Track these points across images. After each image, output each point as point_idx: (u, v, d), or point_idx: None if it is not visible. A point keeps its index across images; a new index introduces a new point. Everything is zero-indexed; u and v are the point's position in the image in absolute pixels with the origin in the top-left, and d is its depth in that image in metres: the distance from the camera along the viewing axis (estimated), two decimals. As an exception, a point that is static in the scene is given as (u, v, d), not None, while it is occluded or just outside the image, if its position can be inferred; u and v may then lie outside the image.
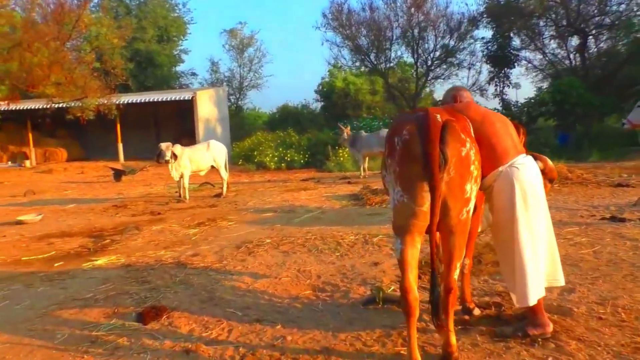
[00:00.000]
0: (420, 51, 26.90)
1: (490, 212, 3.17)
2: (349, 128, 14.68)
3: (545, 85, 26.08)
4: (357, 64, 28.94)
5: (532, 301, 2.91)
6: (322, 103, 31.14)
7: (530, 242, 2.91)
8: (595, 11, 23.29)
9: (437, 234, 2.76)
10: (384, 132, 13.83)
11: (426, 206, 2.48)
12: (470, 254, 3.57)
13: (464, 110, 3.01)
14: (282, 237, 6.29)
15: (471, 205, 2.68)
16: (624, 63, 22.21)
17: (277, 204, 9.45)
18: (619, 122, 21.18)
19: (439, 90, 30.37)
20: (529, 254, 2.90)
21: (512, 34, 25.83)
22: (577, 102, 17.35)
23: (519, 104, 23.29)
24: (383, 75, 27.85)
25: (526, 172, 2.96)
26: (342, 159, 17.27)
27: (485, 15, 25.33)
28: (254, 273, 4.82)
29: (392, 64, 28.50)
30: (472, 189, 2.62)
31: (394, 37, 26.57)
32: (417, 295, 2.62)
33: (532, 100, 18.03)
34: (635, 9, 22.61)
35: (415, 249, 2.62)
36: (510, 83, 26.91)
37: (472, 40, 26.62)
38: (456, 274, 2.74)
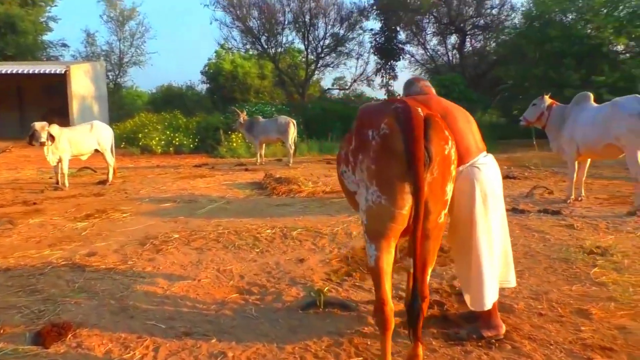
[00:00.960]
0: (310, 38, 26.93)
1: (448, 211, 3.04)
2: (244, 113, 14.11)
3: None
4: (248, 46, 28.20)
5: (489, 305, 2.84)
6: (208, 85, 29.97)
7: (487, 245, 2.82)
8: (473, 12, 25.08)
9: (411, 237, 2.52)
10: (283, 118, 13.52)
11: (406, 209, 2.25)
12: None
13: (426, 103, 2.82)
14: (191, 232, 5.74)
15: (447, 208, 2.50)
16: (494, 63, 24.18)
17: (174, 192, 8.73)
18: (485, 116, 23.18)
19: (327, 79, 30.84)
20: (486, 258, 2.81)
21: (398, 28, 26.89)
22: (459, 97, 18.50)
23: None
24: (273, 60, 27.46)
25: (487, 172, 2.86)
26: (234, 144, 16.63)
27: (374, 7, 26.02)
28: (168, 275, 4.28)
29: (282, 49, 28.19)
30: (450, 190, 2.44)
31: (286, 22, 26.31)
32: (392, 306, 2.40)
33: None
34: (506, 14, 24.76)
35: (391, 255, 2.38)
36: (395, 75, 28.08)
37: (361, 31, 27.27)
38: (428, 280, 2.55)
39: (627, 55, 17.83)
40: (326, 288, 3.86)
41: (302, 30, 26.50)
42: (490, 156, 2.97)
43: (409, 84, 3.24)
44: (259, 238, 5.41)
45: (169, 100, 27.94)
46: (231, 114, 16.92)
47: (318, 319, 3.36)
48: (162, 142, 17.11)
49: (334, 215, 6.50)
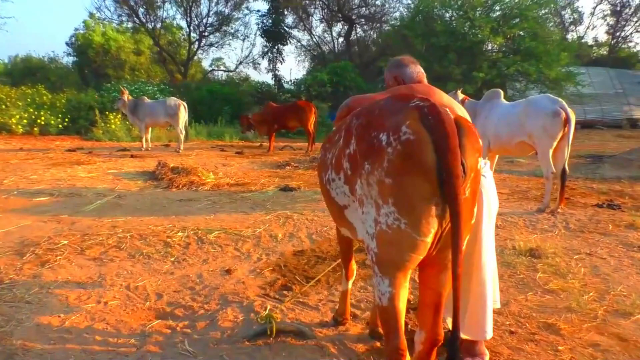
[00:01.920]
0: (193, 15, 25.36)
1: None
2: (127, 92, 12.64)
3: (306, 65, 27.53)
4: (123, 18, 25.76)
5: (490, 334, 2.51)
6: (75, 58, 26.94)
7: (492, 265, 2.48)
8: (360, 1, 25.42)
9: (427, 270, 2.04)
10: (172, 100, 12.35)
11: (431, 236, 1.78)
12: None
13: (430, 97, 2.36)
14: (82, 235, 4.75)
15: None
16: (381, 53, 24.82)
17: (49, 183, 7.40)
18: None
19: (209, 60, 29.43)
20: (490, 279, 2.47)
21: (286, 12, 26.37)
22: (350, 86, 18.61)
23: (294, 81, 23.98)
24: (152, 35, 25.41)
25: (491, 181, 2.51)
26: (113, 126, 14.98)
27: (263, -12, 25.18)
28: (64, 297, 3.39)
29: (162, 25, 26.21)
30: (476, 212, 2.02)
31: (167, -5, 24.44)
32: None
33: (310, 79, 18.65)
34: (392, 5, 25.48)
35: (406, 292, 1.90)
36: (283, 59, 27.57)
37: (247, 11, 26.34)
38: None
39: (501, 54, 19.23)
40: (267, 310, 3.29)
41: (184, 5, 24.82)
42: (487, 162, 2.63)
43: (399, 65, 2.63)
44: (170, 243, 4.62)
45: (29, 72, 24.58)
46: (106, 92, 15.22)
47: (272, 352, 2.78)
48: (24, 121, 14.85)
49: (250, 213, 5.88)
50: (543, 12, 19.68)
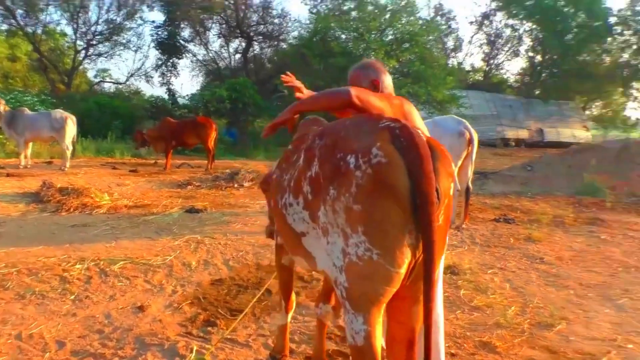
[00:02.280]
0: (80, 21, 23.64)
1: None
2: (4, 102, 11.24)
3: (200, 80, 26.84)
4: (-1, 19, 23.25)
5: None
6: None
7: (441, 291, 2.42)
8: (258, 18, 25.36)
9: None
10: (58, 113, 11.23)
11: (405, 267, 1.65)
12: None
13: (406, 114, 2.25)
14: (-47, 274, 4.02)
15: None
16: (279, 71, 24.86)
17: None
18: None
19: (94, 70, 27.57)
20: (441, 308, 2.40)
21: (182, 24, 25.54)
22: (249, 103, 18.36)
23: (189, 96, 23.19)
24: (31, 40, 23.21)
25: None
26: (-19, 140, 13.28)
27: (158, -1, 24.21)
28: (-64, 355, 2.79)
29: (43, 29, 24.06)
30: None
31: (50, -2, 22.52)
32: None
33: (209, 95, 18.08)
34: (289, 24, 25.71)
35: (380, 328, 1.74)
36: (177, 73, 26.59)
37: (141, 22, 25.09)
38: None
39: (396, 76, 20.15)
40: (194, 353, 2.97)
41: (71, 10, 23.04)
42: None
43: (378, 70, 2.41)
44: (67, 278, 4.06)
45: None
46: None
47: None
48: None
49: (156, 239, 5.41)
50: (430, 38, 21.04)
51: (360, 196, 1.61)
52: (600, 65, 31.50)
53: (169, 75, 26.18)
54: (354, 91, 2.06)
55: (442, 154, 1.72)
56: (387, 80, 2.39)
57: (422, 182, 1.56)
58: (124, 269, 4.34)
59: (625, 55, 31.45)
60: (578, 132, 28.59)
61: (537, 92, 31.63)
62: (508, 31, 33.54)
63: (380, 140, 1.65)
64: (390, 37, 20.27)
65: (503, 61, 35.21)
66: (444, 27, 31.59)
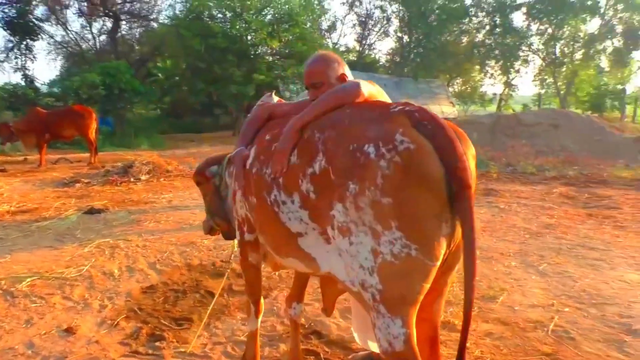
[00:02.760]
0: None
1: None
2: None
3: (57, 64, 24.45)
4: None
5: None
6: None
7: None
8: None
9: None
10: None
11: (441, 260, 1.58)
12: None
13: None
14: None
15: None
16: (153, 54, 23.41)
17: None
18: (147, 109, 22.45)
19: None
20: None
21: (34, 1, 22.78)
22: (126, 88, 17.02)
23: (50, 82, 20.89)
24: None
25: None
26: None
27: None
28: None
29: None
30: None
31: None
32: None
33: (79, 80, 16.31)
34: (159, 2, 24.17)
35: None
36: (34, 57, 23.76)
37: (-20, -2, 21.86)
38: None
39: (277, 57, 20.03)
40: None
41: None
42: None
43: (341, 63, 2.19)
44: (-36, 307, 3.41)
45: None
46: None
47: None
48: None
49: (59, 247, 4.78)
50: (310, 18, 21.17)
51: (389, 188, 1.49)
52: (459, 45, 34.26)
53: (23, 59, 23.29)
54: (363, 86, 1.91)
55: (463, 135, 1.66)
56: (348, 72, 2.22)
57: (458, 166, 1.49)
58: (33, 287, 3.76)
59: (480, 35, 34.59)
60: (445, 108, 30.88)
61: (407, 71, 33.53)
62: (378, 12, 34.98)
63: (402, 126, 1.54)
64: (269, 17, 19.99)
65: (375, 41, 36.72)
66: (317, 7, 32.03)
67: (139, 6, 24.65)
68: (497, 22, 32.96)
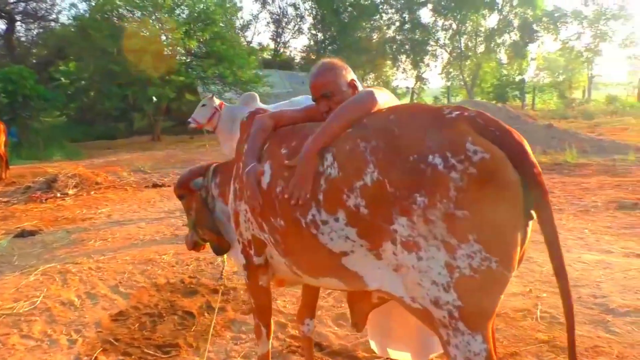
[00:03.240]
0: None
1: None
2: None
3: None
4: None
5: None
6: None
7: None
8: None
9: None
10: None
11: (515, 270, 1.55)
12: None
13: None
14: None
15: None
16: (56, 57, 21.74)
17: None
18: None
19: None
20: None
21: None
22: (30, 95, 15.63)
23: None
24: None
25: None
26: None
27: None
28: None
29: None
30: None
31: None
32: None
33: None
34: (57, 2, 22.46)
35: None
36: None
37: None
38: None
39: (196, 57, 19.33)
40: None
41: None
42: None
43: (349, 69, 2.08)
44: None
45: None
46: None
47: None
48: None
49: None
50: (227, 17, 20.69)
51: (465, 200, 1.42)
52: (371, 41, 35.21)
53: None
54: (377, 95, 1.82)
55: (522, 139, 1.63)
56: (354, 76, 2.11)
57: (534, 172, 1.45)
58: (-21, 327, 3.31)
59: (391, 32, 35.78)
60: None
61: (323, 68, 33.85)
62: (291, 10, 35.03)
63: (468, 134, 1.47)
64: (184, 16, 19.26)
65: (289, 39, 36.74)
66: (229, 5, 31.46)
67: (35, 6, 22.80)
68: (406, 18, 34.29)
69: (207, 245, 2.76)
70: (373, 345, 2.63)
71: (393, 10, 34.55)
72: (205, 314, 3.48)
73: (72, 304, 3.68)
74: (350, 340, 3.05)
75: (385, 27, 35.66)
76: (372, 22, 34.96)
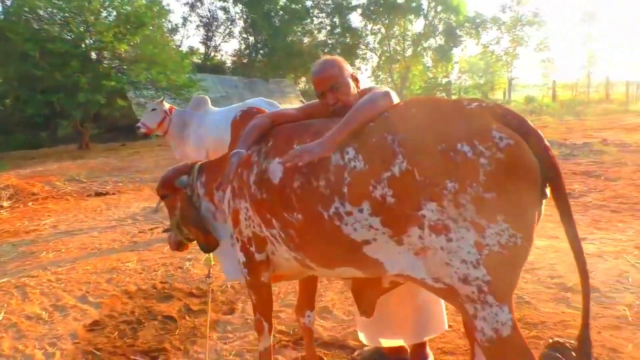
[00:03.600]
0: None
1: None
2: None
3: None
4: None
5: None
6: None
7: None
8: None
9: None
10: None
11: None
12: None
13: None
14: None
15: None
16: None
17: None
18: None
19: None
20: None
21: None
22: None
23: None
24: None
25: None
26: None
27: None
28: None
29: None
30: None
31: None
32: None
33: None
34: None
35: None
36: None
37: None
38: None
39: (127, 62, 18.58)
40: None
41: None
42: None
43: (340, 64, 2.14)
44: None
45: None
46: None
47: None
48: None
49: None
50: (157, 20, 20.09)
51: (493, 184, 1.54)
52: (303, 44, 35.49)
53: None
54: (392, 93, 1.92)
55: (535, 127, 1.77)
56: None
57: (550, 156, 1.60)
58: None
59: (322, 36, 36.25)
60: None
61: (254, 72, 33.71)
62: (221, 13, 34.58)
63: (492, 122, 1.61)
64: (112, 18, 18.49)
65: (221, 43, 36.23)
66: (157, 7, 30.62)
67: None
68: (337, 22, 34.88)
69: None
70: (362, 337, 2.70)
71: (324, 15, 35.03)
72: (186, 317, 3.42)
73: (40, 318, 3.48)
74: (338, 331, 3.11)
75: (316, 31, 36.08)
76: (303, 26, 35.25)
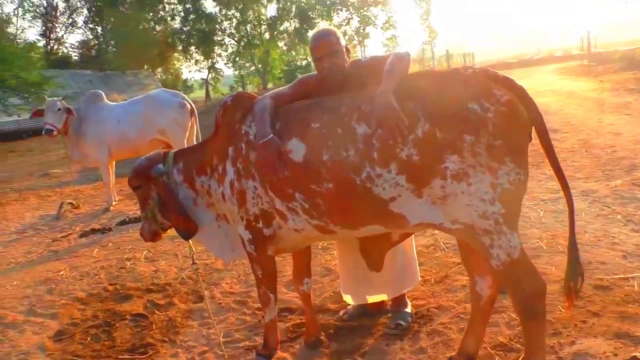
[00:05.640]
0: None
1: None
2: None
3: None
4: None
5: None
6: None
7: None
8: None
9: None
10: None
11: None
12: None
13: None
14: None
15: None
16: None
17: None
18: None
19: None
20: None
21: None
22: None
23: None
24: None
25: None
26: None
27: None
28: None
29: None
30: None
31: None
32: None
33: None
34: None
35: None
36: None
37: None
38: None
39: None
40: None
41: None
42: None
43: (335, 34, 2.47)
44: None
45: None
46: None
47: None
48: None
49: None
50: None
51: (500, 132, 1.95)
52: (157, 33, 33.88)
53: None
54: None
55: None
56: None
57: (533, 104, 2.06)
58: None
59: (176, 23, 34.91)
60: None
61: (109, 65, 31.46)
62: (61, 2, 31.52)
63: (491, 83, 2.02)
64: None
65: (63, 35, 33.08)
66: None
67: None
68: (190, 9, 33.80)
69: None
70: (348, 299, 2.99)
71: (176, 1, 33.71)
72: (156, 312, 3.43)
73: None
74: (313, 298, 3.34)
75: (169, 18, 34.63)
76: (153, 14, 33.59)
